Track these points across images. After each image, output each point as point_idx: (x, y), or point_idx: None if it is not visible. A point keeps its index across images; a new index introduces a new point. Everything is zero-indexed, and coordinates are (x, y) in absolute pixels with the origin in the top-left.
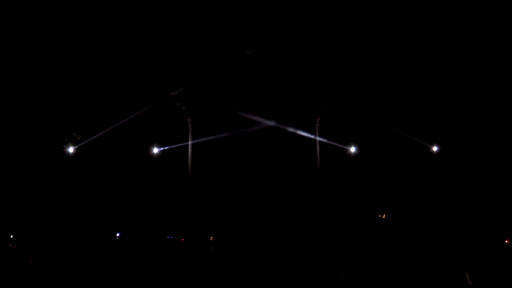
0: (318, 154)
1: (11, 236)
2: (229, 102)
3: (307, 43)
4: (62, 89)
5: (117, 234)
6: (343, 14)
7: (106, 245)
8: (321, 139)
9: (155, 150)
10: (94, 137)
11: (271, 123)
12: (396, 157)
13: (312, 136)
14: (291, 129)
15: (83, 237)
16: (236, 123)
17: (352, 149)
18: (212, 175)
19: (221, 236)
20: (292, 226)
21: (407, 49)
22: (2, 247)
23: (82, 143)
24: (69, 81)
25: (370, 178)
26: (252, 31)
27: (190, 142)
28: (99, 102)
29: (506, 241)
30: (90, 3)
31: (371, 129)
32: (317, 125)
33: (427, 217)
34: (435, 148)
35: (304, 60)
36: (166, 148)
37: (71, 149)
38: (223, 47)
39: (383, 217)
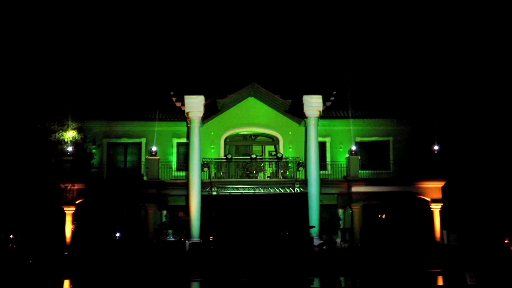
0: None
1: (11, 236)
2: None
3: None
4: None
5: (117, 234)
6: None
7: (106, 245)
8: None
9: (154, 148)
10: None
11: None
12: None
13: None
14: None
15: (83, 237)
16: None
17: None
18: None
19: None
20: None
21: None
22: (2, 247)
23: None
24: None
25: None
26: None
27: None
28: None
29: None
30: None
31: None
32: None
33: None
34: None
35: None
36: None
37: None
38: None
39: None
